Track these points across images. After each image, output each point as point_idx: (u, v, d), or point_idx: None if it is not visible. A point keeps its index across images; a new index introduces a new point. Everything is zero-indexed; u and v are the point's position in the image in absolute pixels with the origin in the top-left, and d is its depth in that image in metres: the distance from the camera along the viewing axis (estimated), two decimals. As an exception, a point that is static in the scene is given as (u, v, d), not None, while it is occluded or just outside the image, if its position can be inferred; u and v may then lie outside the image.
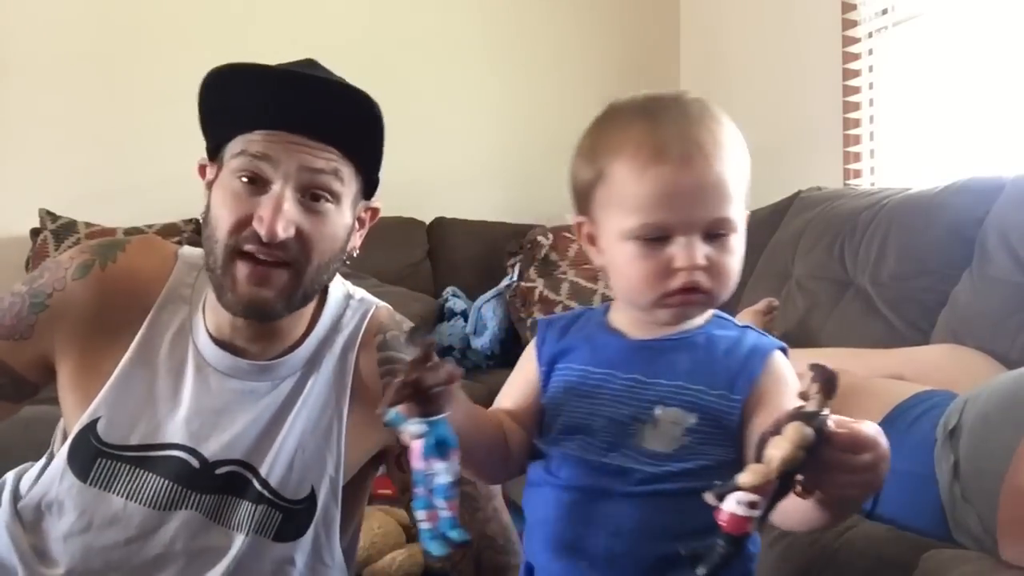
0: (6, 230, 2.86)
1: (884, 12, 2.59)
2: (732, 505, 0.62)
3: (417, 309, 2.59)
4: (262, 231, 0.91)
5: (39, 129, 2.92)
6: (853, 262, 2.04)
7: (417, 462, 0.70)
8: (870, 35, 2.64)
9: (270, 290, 0.94)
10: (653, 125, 0.78)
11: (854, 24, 2.67)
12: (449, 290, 2.95)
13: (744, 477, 0.62)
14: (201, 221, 1.00)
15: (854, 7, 2.67)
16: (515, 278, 2.81)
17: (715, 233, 0.78)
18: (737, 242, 0.80)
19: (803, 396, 0.64)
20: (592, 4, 3.54)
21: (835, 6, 2.71)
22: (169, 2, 3.06)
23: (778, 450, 0.61)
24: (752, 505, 0.62)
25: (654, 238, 0.77)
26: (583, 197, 0.84)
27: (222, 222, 0.93)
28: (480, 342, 2.73)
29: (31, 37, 2.91)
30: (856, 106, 2.69)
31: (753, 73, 3.12)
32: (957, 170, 2.09)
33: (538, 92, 3.46)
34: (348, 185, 0.97)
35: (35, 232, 2.78)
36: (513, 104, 3.44)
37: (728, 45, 3.32)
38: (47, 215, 2.79)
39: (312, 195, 0.94)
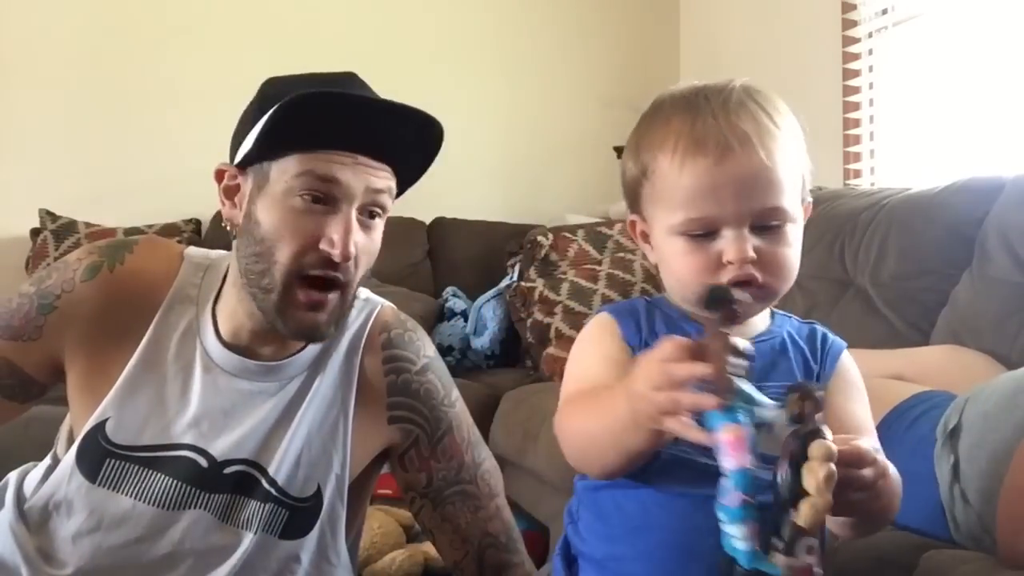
0: (6, 230, 2.87)
1: (884, 12, 2.59)
2: (804, 556, 0.57)
3: (417, 309, 2.59)
4: (334, 253, 0.92)
5: (39, 129, 2.92)
6: (853, 262, 2.04)
7: (743, 456, 0.57)
8: (870, 35, 2.64)
9: (324, 314, 0.95)
10: (693, 117, 0.77)
11: (854, 24, 2.67)
12: (449, 290, 2.95)
13: (804, 517, 0.57)
14: (228, 228, 1.00)
15: (854, 7, 2.67)
16: (515, 278, 2.81)
17: (766, 224, 0.75)
18: (793, 232, 0.77)
19: (797, 418, 0.61)
20: (592, 5, 3.55)
21: (835, 6, 2.71)
22: (169, 3, 3.06)
23: (818, 472, 0.57)
24: (811, 549, 0.57)
25: (702, 233, 0.76)
26: (633, 194, 0.83)
27: (285, 244, 0.93)
28: (480, 342, 2.73)
29: (31, 38, 2.92)
30: (856, 106, 2.69)
31: (753, 73, 3.08)
32: (957, 170, 2.09)
33: (538, 92, 3.47)
34: (392, 199, 1.00)
35: (35, 232, 2.79)
36: (513, 104, 3.45)
37: (728, 45, 3.32)
38: (47, 215, 2.80)
39: (369, 212, 0.96)
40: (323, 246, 0.92)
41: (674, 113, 0.79)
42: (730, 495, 0.58)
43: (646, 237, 0.84)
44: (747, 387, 0.60)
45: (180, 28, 3.06)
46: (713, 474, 0.66)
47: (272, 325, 0.96)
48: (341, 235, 0.92)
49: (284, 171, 0.93)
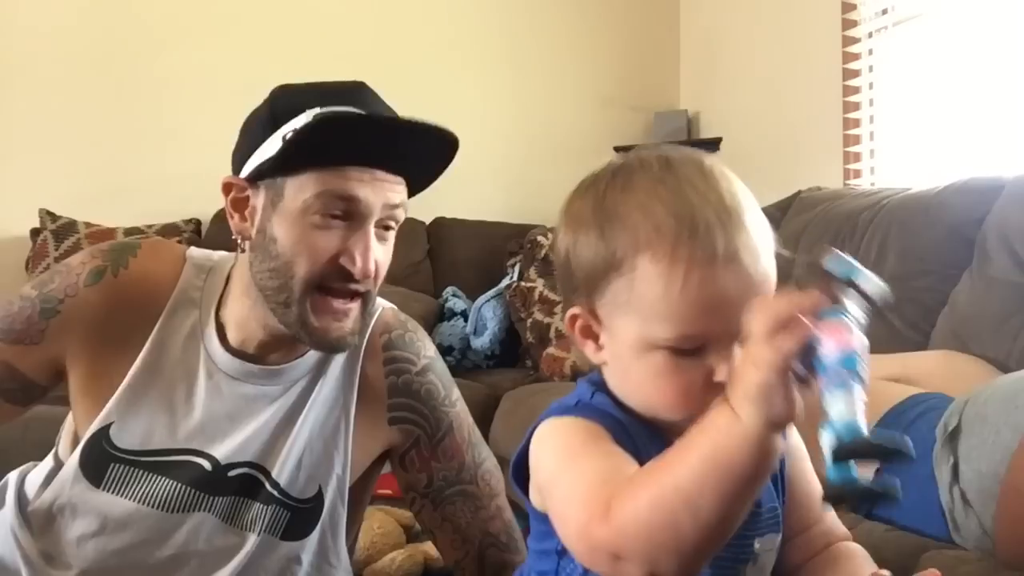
0: (6, 230, 2.87)
1: (884, 12, 2.59)
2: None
3: (417, 309, 2.59)
4: (355, 269, 0.92)
5: (39, 129, 2.92)
6: (853, 262, 2.04)
7: (851, 341, 0.53)
8: (870, 35, 2.64)
9: (348, 323, 0.96)
10: (686, 209, 0.63)
11: (854, 24, 2.68)
12: (449, 290, 2.96)
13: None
14: (245, 245, 0.98)
15: (854, 7, 2.68)
16: (515, 278, 2.81)
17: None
18: None
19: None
20: (593, 5, 3.55)
21: (835, 6, 2.72)
22: (169, 3, 3.06)
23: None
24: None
25: (689, 349, 0.64)
26: (587, 281, 0.67)
27: (304, 259, 0.92)
28: (480, 342, 2.73)
29: (32, 38, 2.92)
30: (856, 106, 2.69)
31: (753, 73, 3.12)
32: (957, 170, 2.09)
33: (538, 92, 3.47)
34: (406, 211, 1.01)
35: (35, 232, 2.79)
36: (513, 104, 3.45)
37: (728, 45, 3.32)
38: (47, 215, 2.80)
39: (384, 225, 0.97)
40: (343, 263, 0.92)
41: (655, 196, 0.65)
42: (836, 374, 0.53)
43: (590, 334, 0.69)
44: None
45: (180, 28, 3.06)
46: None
47: (297, 338, 0.96)
48: (362, 252, 0.92)
49: (301, 188, 0.92)
